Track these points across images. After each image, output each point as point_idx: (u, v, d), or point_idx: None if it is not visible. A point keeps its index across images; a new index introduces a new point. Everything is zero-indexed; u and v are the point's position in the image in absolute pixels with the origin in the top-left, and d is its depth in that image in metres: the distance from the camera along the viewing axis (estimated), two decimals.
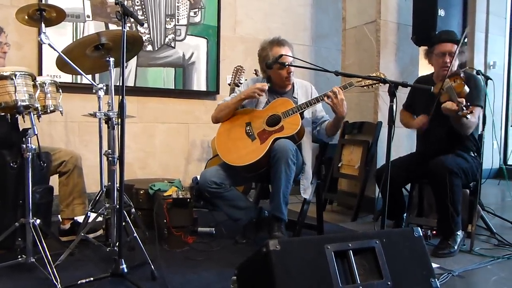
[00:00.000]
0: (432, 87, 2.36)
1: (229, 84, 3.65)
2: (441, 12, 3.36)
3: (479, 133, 2.76)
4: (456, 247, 2.51)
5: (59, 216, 2.73)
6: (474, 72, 2.83)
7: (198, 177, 2.74)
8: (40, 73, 3.27)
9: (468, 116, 2.28)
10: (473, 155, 2.69)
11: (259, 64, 2.71)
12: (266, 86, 2.58)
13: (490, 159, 3.87)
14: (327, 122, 2.67)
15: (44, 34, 2.09)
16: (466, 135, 2.61)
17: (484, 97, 2.66)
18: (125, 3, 3.54)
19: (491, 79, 2.83)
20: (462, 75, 2.49)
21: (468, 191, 2.77)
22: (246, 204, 2.68)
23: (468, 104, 2.29)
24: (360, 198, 3.45)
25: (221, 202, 2.56)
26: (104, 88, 2.36)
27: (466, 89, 2.44)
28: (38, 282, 1.96)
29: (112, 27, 3.56)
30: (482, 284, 2.17)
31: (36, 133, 1.98)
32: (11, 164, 2.21)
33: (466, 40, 3.80)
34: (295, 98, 2.68)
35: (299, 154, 2.52)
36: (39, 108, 2.05)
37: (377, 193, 3.28)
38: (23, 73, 1.95)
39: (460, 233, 2.55)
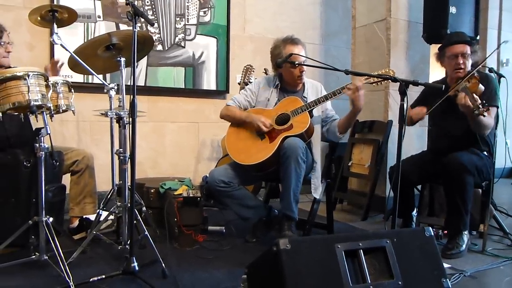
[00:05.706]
0: (442, 86, 2.32)
1: (239, 83, 3.66)
2: (453, 9, 3.33)
3: (493, 132, 2.72)
4: (464, 247, 2.48)
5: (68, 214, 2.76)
6: (487, 70, 2.78)
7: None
8: None
9: (485, 113, 2.26)
10: (486, 154, 2.66)
11: (271, 62, 2.70)
12: (271, 127, 2.54)
13: (503, 158, 3.79)
14: (338, 120, 2.65)
15: (56, 34, 2.11)
16: (483, 135, 2.58)
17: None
18: (135, 3, 3.57)
19: (504, 76, 2.77)
20: (476, 74, 2.46)
21: (480, 190, 2.73)
22: (255, 203, 2.69)
23: (485, 102, 2.27)
24: (370, 197, 3.43)
25: (230, 201, 2.57)
26: (115, 87, 2.38)
27: (481, 87, 2.41)
28: (50, 279, 1.98)
29: (123, 27, 3.59)
30: (494, 284, 2.15)
31: (49, 132, 2.00)
32: (25, 163, 2.25)
33: (478, 38, 3.76)
34: (305, 97, 2.67)
35: (309, 152, 2.52)
36: (52, 108, 2.06)
37: (388, 192, 3.26)
38: (36, 73, 1.98)
39: (467, 233, 2.52)
